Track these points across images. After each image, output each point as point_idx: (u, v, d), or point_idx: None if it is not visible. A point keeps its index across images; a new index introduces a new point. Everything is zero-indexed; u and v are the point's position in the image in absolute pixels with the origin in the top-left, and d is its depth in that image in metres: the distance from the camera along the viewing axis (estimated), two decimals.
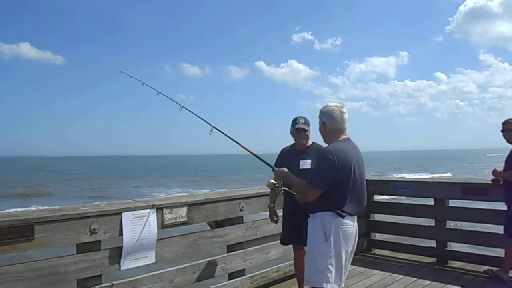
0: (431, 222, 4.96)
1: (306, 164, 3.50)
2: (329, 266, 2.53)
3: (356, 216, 2.68)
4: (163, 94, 3.94)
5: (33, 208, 2.96)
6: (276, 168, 3.04)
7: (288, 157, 3.55)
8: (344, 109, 2.68)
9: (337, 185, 2.56)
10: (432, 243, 5.00)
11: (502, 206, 4.38)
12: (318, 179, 2.59)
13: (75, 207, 3.00)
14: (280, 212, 3.73)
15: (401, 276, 4.41)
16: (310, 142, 3.59)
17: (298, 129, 3.55)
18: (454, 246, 4.90)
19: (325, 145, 3.07)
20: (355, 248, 2.69)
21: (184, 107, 3.72)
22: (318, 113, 2.81)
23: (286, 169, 2.99)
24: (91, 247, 2.91)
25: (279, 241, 4.29)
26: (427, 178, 5.49)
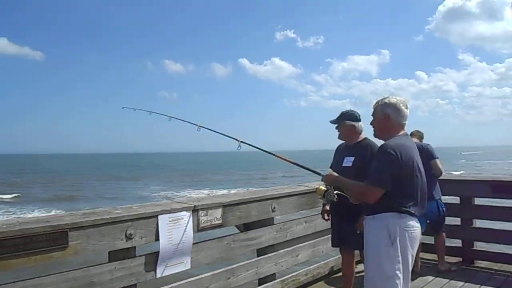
0: (457, 222, 4.84)
1: (348, 161, 3.28)
2: (397, 272, 2.33)
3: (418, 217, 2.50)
4: (176, 118, 3.63)
5: (63, 213, 2.68)
6: (323, 174, 2.82)
7: (338, 154, 3.35)
8: (408, 105, 2.52)
9: (400, 183, 2.37)
10: (458, 243, 4.89)
11: None
12: (379, 177, 2.38)
13: (108, 210, 2.72)
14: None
15: (432, 278, 4.27)
16: (360, 138, 3.36)
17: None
18: (480, 246, 4.78)
19: (375, 139, 2.89)
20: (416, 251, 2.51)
21: (203, 127, 3.42)
22: (370, 105, 2.63)
23: (335, 173, 2.79)
24: (126, 253, 2.64)
25: (308, 242, 4.11)
26: (451, 176, 5.34)
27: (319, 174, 2.85)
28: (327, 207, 3.49)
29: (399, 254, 2.35)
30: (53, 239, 2.28)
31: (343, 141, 3.47)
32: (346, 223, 3.29)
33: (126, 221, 2.60)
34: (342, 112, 3.43)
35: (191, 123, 3.48)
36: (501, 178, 4.85)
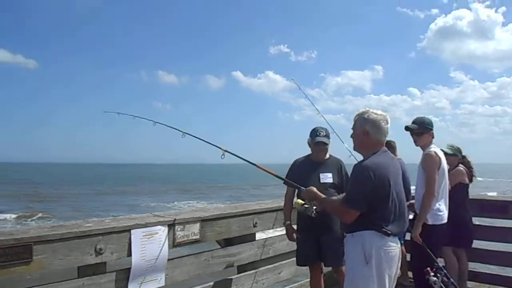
0: None
1: (327, 177, 3.32)
2: None
3: (397, 237, 2.42)
4: (161, 123, 3.55)
5: (30, 225, 2.59)
6: (303, 188, 2.75)
7: (305, 169, 3.28)
8: (389, 120, 2.45)
9: (376, 203, 2.30)
10: None
11: None
12: (353, 199, 2.32)
13: (78, 223, 2.64)
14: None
15: None
16: (328, 155, 3.42)
17: (318, 142, 3.35)
18: (473, 266, 4.66)
19: (353, 152, 2.83)
20: (398, 272, 2.42)
21: (188, 134, 3.31)
22: (351, 118, 2.58)
23: (315, 188, 2.71)
24: (96, 269, 2.56)
25: (292, 259, 4.01)
26: None
27: (299, 188, 2.79)
28: (294, 227, 3.43)
29: (374, 274, 2.26)
30: (16, 253, 2.20)
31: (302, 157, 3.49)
32: (316, 235, 3.30)
33: (96, 235, 2.52)
34: (327, 130, 3.46)
35: (176, 129, 3.39)
36: (491, 198, 4.77)
